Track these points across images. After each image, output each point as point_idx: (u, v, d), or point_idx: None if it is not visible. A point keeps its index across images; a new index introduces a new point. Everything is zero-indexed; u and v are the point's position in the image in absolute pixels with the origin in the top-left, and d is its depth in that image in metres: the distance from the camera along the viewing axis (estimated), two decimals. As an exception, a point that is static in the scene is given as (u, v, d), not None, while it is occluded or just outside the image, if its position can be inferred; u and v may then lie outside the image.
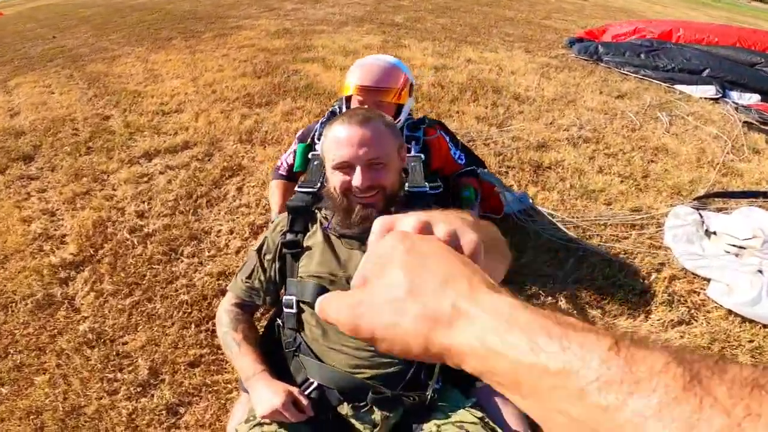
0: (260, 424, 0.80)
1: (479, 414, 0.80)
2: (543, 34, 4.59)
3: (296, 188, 1.04)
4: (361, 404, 0.81)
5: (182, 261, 1.49)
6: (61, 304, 1.35)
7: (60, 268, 1.46)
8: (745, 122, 2.60)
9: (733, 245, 1.50)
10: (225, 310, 0.95)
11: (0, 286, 1.43)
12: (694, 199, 1.77)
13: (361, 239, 0.88)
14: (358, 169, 0.83)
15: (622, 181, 1.89)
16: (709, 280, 1.41)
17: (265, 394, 0.80)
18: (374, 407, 0.81)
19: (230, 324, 0.92)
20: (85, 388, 1.10)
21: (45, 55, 4.39)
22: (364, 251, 0.55)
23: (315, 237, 0.91)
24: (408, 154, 1.06)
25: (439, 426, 0.78)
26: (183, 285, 1.39)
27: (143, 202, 1.77)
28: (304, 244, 0.91)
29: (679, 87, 3.09)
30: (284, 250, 0.92)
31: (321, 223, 0.92)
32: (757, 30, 4.38)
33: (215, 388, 1.11)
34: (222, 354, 1.14)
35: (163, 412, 1.05)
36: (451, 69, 3.20)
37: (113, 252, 1.52)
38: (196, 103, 2.67)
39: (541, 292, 1.35)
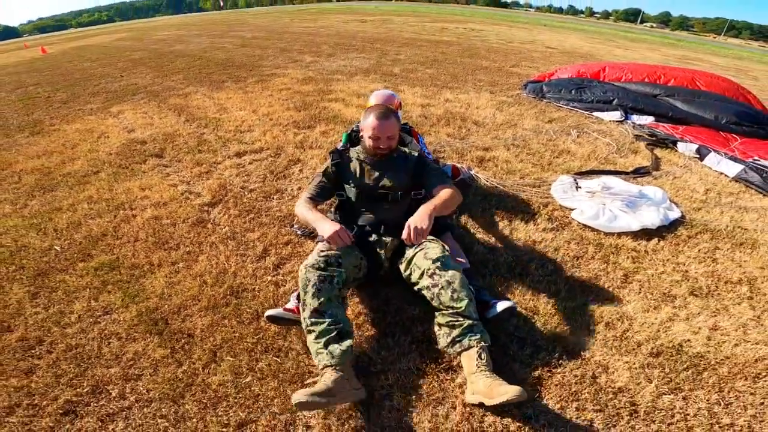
0: (326, 255, 1.57)
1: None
2: (508, 79, 5.96)
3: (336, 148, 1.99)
4: (380, 232, 1.76)
5: (273, 200, 2.63)
6: (207, 221, 2.42)
7: (204, 206, 2.58)
8: (636, 135, 3.83)
9: (588, 191, 2.68)
10: (300, 203, 1.78)
11: (169, 213, 2.53)
12: (573, 174, 2.97)
13: (375, 165, 1.82)
14: (382, 139, 1.77)
15: (533, 166, 3.09)
16: (572, 210, 2.56)
17: (327, 225, 1.61)
18: (384, 236, 1.74)
19: (304, 205, 1.75)
20: (227, 260, 2.11)
21: (126, 91, 5.66)
22: (378, 171, 1.84)
23: (352, 164, 1.85)
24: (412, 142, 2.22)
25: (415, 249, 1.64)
26: (276, 209, 2.53)
27: (244, 176, 2.93)
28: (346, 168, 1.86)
29: (596, 114, 4.37)
30: (334, 170, 1.87)
31: (356, 156, 1.86)
32: (664, 66, 5.77)
33: (305, 254, 2.24)
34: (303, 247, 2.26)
35: (270, 268, 2.04)
36: (433, 106, 4.49)
37: (233, 197, 2.65)
38: (260, 126, 3.87)
39: (477, 214, 2.50)
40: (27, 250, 2.24)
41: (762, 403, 1.40)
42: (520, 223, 2.37)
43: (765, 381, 1.48)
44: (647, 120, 4.23)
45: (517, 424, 1.32)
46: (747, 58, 17.83)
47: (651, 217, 2.42)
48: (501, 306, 1.58)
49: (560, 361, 1.52)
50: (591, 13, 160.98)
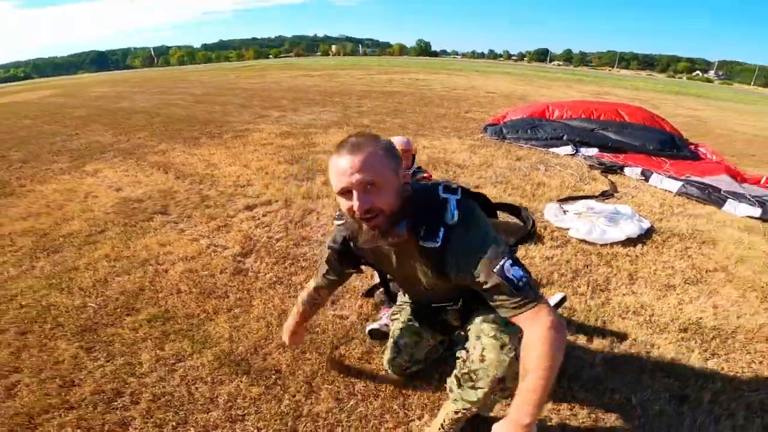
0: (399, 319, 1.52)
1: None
2: (467, 124, 6.62)
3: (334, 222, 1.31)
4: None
5: (304, 247, 2.74)
6: (247, 270, 2.49)
7: (236, 256, 2.64)
8: (588, 165, 4.47)
9: (575, 213, 3.11)
10: (306, 288, 1.55)
11: (202, 265, 2.56)
12: (557, 201, 3.42)
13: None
14: (355, 193, 0.95)
15: (521, 198, 3.51)
16: (568, 229, 2.95)
17: (285, 329, 1.58)
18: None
19: (301, 298, 1.55)
20: (282, 302, 2.17)
21: (91, 149, 5.48)
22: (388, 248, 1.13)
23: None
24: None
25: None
26: (311, 254, 2.64)
27: (265, 227, 3.02)
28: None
29: (551, 150, 5.02)
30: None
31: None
32: (593, 101, 6.78)
33: (356, 288, 2.37)
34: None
35: (328, 306, 2.16)
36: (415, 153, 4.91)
37: (263, 246, 2.73)
38: (259, 180, 3.94)
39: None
40: (57, 308, 2.16)
41: None
42: (530, 244, 2.71)
43: None
44: (593, 151, 4.93)
45: (593, 398, 1.55)
46: (642, 88, 20.82)
47: (631, 229, 2.88)
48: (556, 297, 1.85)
49: (613, 345, 1.81)
50: (509, 56, 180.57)
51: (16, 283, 2.41)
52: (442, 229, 1.01)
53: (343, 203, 1.01)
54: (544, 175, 4.11)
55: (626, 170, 4.33)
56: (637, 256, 2.60)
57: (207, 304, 2.16)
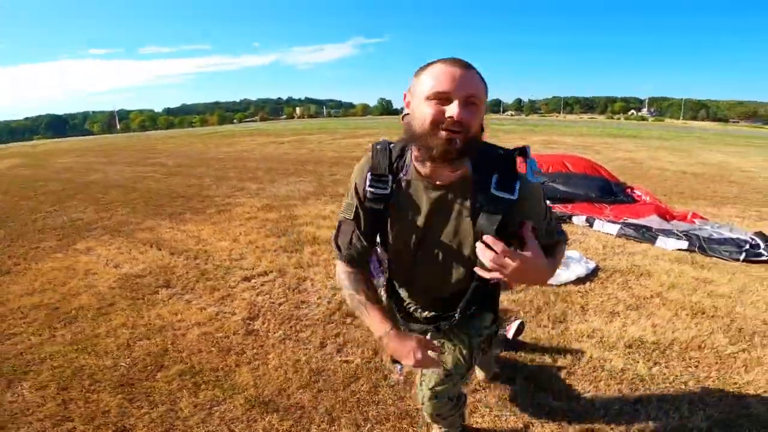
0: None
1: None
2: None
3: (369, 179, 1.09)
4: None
5: (305, 308, 3.07)
6: (257, 331, 2.78)
7: (245, 320, 2.92)
8: None
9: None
10: (341, 275, 1.18)
11: (215, 329, 2.83)
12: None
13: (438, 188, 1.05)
14: (455, 102, 0.91)
15: None
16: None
17: (403, 349, 1.06)
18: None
19: (351, 287, 1.15)
20: (294, 353, 2.53)
21: (76, 227, 5.61)
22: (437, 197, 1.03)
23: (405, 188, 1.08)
24: None
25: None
26: (314, 314, 2.98)
27: (265, 295, 3.30)
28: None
29: None
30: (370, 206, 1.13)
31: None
32: (545, 155, 7.50)
33: (362, 337, 2.72)
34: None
35: (334, 353, 2.58)
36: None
37: (268, 311, 3.02)
38: (251, 254, 4.16)
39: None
40: (90, 368, 2.38)
41: (708, 360, 2.29)
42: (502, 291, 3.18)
43: (702, 351, 2.38)
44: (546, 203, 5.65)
45: (563, 405, 1.96)
46: (586, 134, 22.94)
47: (581, 270, 3.43)
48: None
49: (573, 363, 2.25)
50: None
51: (41, 349, 2.62)
52: (518, 183, 1.00)
53: (429, 109, 0.93)
54: None
55: (574, 219, 5.01)
56: (586, 291, 3.12)
57: (228, 359, 2.45)
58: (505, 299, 3.02)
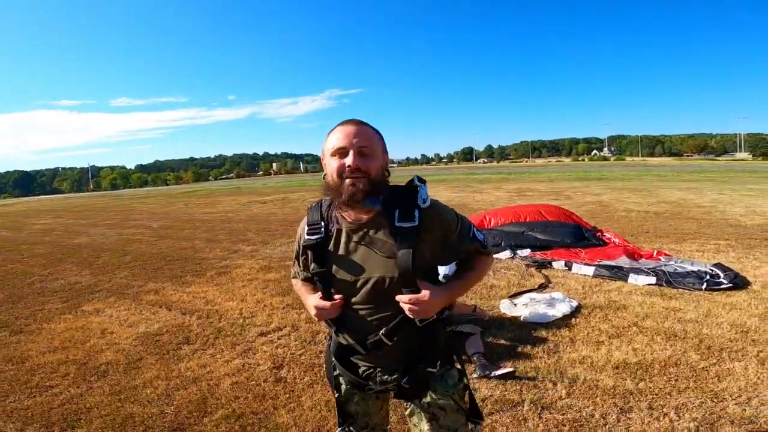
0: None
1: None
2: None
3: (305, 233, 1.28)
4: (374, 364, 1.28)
5: (323, 357, 3.37)
6: (285, 378, 2.99)
7: (272, 369, 3.15)
8: (525, 264, 5.59)
9: (523, 305, 4.07)
10: (296, 282, 1.44)
11: (245, 379, 3.05)
12: (508, 297, 4.39)
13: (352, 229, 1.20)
14: (351, 152, 1.12)
15: (479, 299, 4.41)
16: (520, 316, 3.86)
17: (309, 301, 1.27)
18: (377, 371, 1.28)
19: (298, 284, 1.42)
20: (324, 394, 2.85)
21: (77, 290, 5.74)
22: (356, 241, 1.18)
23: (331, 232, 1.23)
24: None
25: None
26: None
27: (284, 347, 3.52)
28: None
29: (494, 256, 6.17)
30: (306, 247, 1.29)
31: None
32: (518, 206, 8.25)
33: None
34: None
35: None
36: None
37: (290, 361, 3.26)
38: (261, 312, 4.35)
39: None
40: (138, 416, 2.59)
41: (685, 373, 2.68)
42: (496, 330, 3.56)
43: (679, 367, 2.80)
44: (527, 252, 6.08)
45: (568, 418, 2.30)
46: (556, 179, 24.22)
47: (564, 308, 3.87)
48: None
49: (570, 385, 2.62)
50: (440, 159, 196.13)
51: (85, 399, 2.82)
52: (416, 211, 1.15)
53: (334, 163, 1.14)
54: (494, 278, 5.07)
55: (554, 264, 5.51)
56: (572, 326, 3.54)
57: (264, 403, 2.69)
58: (502, 338, 3.40)
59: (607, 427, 2.23)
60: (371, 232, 1.18)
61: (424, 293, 1.13)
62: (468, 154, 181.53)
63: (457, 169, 70.12)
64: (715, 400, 2.41)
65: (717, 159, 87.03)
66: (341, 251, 1.20)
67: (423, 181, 1.20)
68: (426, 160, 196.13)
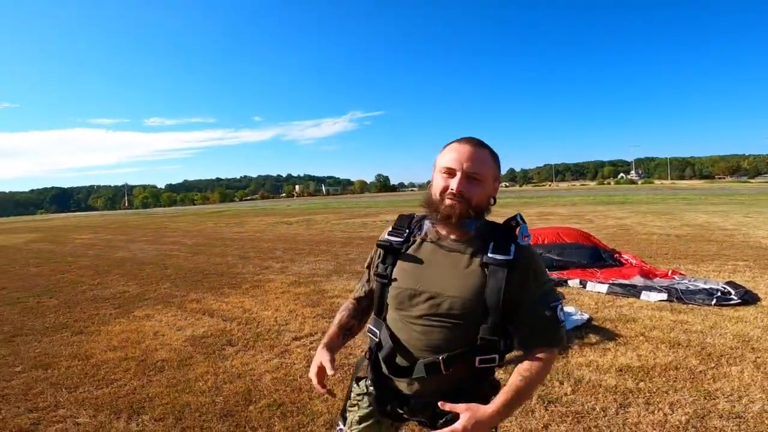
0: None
1: None
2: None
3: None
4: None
5: (353, 359, 3.74)
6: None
7: (305, 367, 3.52)
8: None
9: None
10: (347, 300, 1.39)
11: (284, 374, 3.46)
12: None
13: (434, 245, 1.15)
14: (458, 175, 1.07)
15: None
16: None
17: (314, 359, 1.22)
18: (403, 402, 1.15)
19: (341, 310, 1.35)
20: None
21: (126, 298, 6.29)
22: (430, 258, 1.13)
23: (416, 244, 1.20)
24: None
25: None
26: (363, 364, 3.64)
27: (317, 349, 3.99)
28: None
29: None
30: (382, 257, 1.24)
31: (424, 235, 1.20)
32: (540, 229, 8.38)
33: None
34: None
35: None
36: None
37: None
38: (294, 320, 4.74)
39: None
40: (194, 404, 2.97)
41: (684, 375, 2.91)
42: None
43: (678, 370, 3.04)
44: None
45: (572, 410, 2.59)
46: (579, 203, 24.22)
47: (575, 321, 4.13)
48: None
49: (575, 384, 2.90)
50: None
51: (146, 390, 3.24)
52: (513, 246, 1.08)
53: (440, 180, 1.11)
54: None
55: (569, 282, 5.75)
56: (582, 336, 3.81)
57: (301, 395, 3.07)
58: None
59: (606, 418, 2.50)
60: (459, 252, 1.13)
61: (467, 418, 0.98)
62: None
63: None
64: (708, 398, 2.66)
65: (749, 181, 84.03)
66: (415, 260, 1.16)
67: (524, 221, 1.13)
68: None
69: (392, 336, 1.16)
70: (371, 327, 1.25)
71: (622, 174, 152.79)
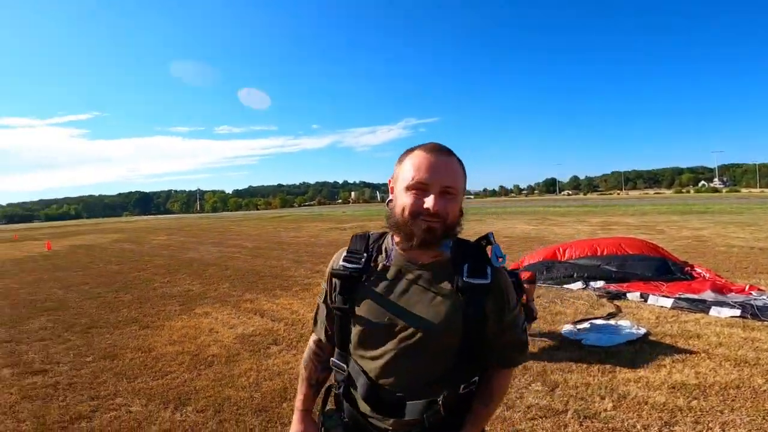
0: None
1: None
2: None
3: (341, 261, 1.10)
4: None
5: None
6: None
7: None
8: (597, 295, 5.48)
9: (586, 329, 4.11)
10: (309, 345, 1.22)
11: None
12: (572, 322, 4.42)
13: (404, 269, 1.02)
14: (433, 192, 0.94)
15: (543, 323, 4.46)
16: (581, 340, 3.91)
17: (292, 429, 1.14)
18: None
19: (305, 361, 1.21)
20: None
21: (190, 297, 6.80)
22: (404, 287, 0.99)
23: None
24: None
25: None
26: None
27: None
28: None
29: (565, 286, 6.04)
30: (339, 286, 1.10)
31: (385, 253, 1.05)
32: (599, 239, 7.95)
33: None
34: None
35: None
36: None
37: None
38: None
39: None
40: (234, 398, 3.17)
41: (744, 395, 2.67)
42: (555, 352, 3.67)
43: (740, 389, 2.78)
44: (600, 283, 5.93)
45: (608, 427, 2.42)
46: (649, 212, 22.44)
47: (631, 334, 3.87)
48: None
49: (619, 399, 2.72)
50: (519, 190, 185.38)
51: (194, 383, 3.50)
52: (489, 269, 1.00)
53: (409, 197, 0.96)
54: (561, 306, 5.09)
55: (628, 295, 5.33)
56: (636, 350, 3.55)
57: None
58: (563, 358, 3.51)
59: (648, 437, 2.33)
60: (431, 276, 1.01)
61: None
62: (551, 186, 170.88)
63: (537, 201, 67.41)
64: (767, 419, 2.37)
65: None
66: (382, 289, 1.02)
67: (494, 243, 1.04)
68: (504, 192, 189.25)
69: (365, 372, 1.03)
70: (336, 361, 1.11)
71: (703, 182, 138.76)
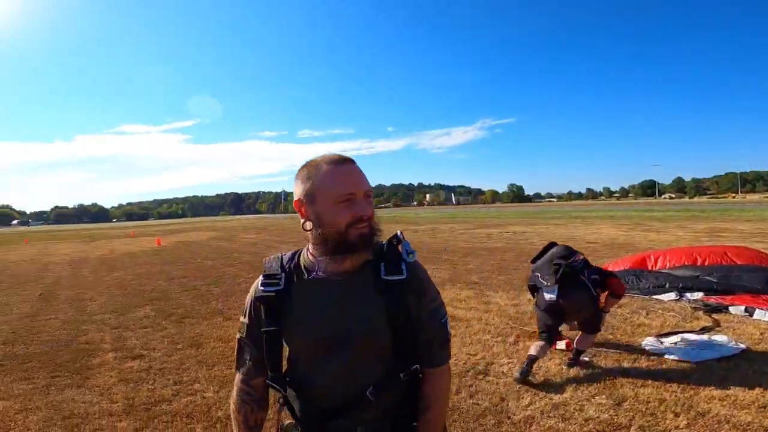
0: None
1: None
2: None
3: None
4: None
5: None
6: None
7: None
8: (693, 307, 4.86)
9: (672, 343, 3.72)
10: (236, 384, 1.13)
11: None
12: (657, 335, 3.99)
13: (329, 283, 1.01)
14: (361, 200, 0.97)
15: (620, 335, 4.07)
16: (662, 354, 3.53)
17: None
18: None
19: (236, 403, 1.12)
20: None
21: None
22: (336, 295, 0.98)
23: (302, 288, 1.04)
24: None
25: None
26: (451, 363, 3.66)
27: None
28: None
29: (655, 297, 5.43)
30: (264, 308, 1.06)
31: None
32: (697, 247, 7.01)
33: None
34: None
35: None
36: (522, 305, 5.83)
37: None
38: None
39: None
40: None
41: None
42: (631, 365, 3.39)
43: None
44: (699, 295, 5.27)
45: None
46: (769, 218, 19.18)
47: (726, 350, 3.45)
48: None
49: (696, 416, 2.45)
50: (610, 193, 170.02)
51: None
52: (403, 264, 1.03)
53: (340, 209, 0.97)
54: (645, 318, 4.61)
55: (731, 309, 4.68)
56: (730, 367, 3.15)
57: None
58: (646, 366, 3.23)
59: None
60: (354, 283, 1.02)
61: None
62: (649, 188, 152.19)
63: (632, 204, 61.32)
64: None
65: None
66: (309, 303, 1.03)
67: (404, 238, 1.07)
68: (593, 195, 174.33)
69: (302, 388, 1.05)
70: (271, 383, 1.09)
71: None
